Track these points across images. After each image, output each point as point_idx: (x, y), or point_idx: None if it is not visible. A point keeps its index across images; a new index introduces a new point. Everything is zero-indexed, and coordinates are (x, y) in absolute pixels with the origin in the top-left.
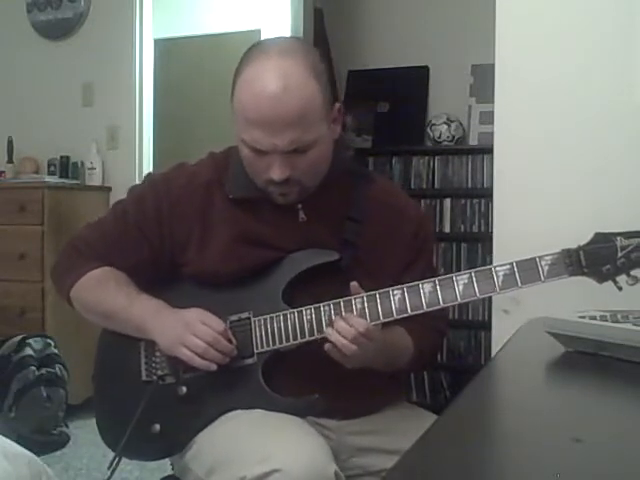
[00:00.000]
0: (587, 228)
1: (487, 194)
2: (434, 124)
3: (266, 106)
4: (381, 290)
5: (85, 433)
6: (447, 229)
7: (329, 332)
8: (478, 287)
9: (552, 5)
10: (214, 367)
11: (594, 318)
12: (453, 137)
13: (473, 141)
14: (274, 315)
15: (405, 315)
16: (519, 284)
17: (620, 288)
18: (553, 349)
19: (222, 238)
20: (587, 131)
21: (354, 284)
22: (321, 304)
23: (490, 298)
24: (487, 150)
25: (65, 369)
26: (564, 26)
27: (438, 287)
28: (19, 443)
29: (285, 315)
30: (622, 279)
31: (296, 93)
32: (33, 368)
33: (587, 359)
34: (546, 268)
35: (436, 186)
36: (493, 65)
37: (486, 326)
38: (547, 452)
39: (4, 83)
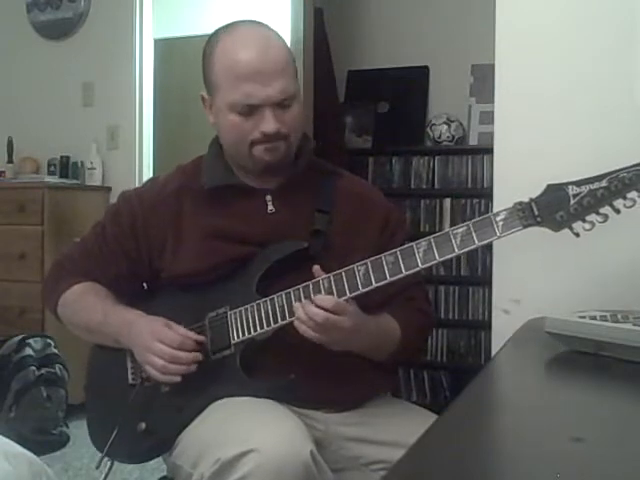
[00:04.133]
0: None
1: (487, 194)
2: (434, 124)
3: (256, 59)
4: (346, 268)
5: (85, 433)
6: (447, 229)
7: (296, 323)
8: (438, 251)
9: (552, 5)
10: (177, 379)
11: (594, 318)
12: (453, 137)
13: (473, 141)
14: (248, 306)
15: (371, 287)
16: (476, 242)
17: (577, 234)
18: (553, 349)
19: (193, 238)
20: (587, 132)
21: (316, 267)
22: (291, 289)
23: (490, 298)
24: (487, 150)
25: (65, 369)
26: (564, 26)
27: (399, 257)
28: (19, 443)
29: (258, 304)
30: (578, 226)
31: (277, 45)
32: (33, 368)
33: (587, 359)
34: (500, 223)
35: (436, 186)
36: (493, 65)
37: (486, 326)
38: (547, 452)
39: (4, 83)
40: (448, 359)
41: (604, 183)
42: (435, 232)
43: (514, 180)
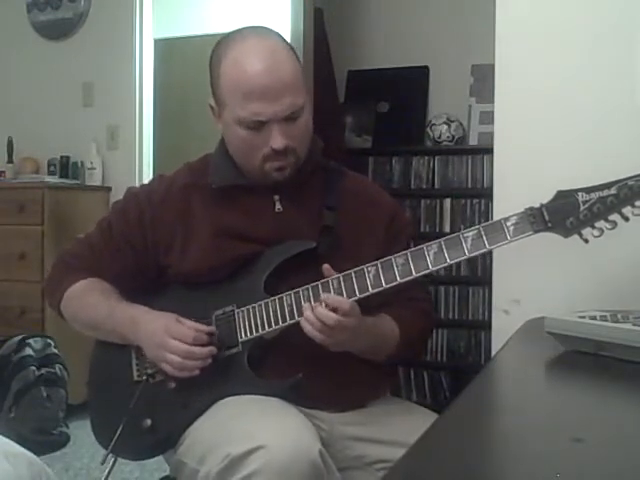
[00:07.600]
0: None
1: (487, 194)
2: (434, 124)
3: (262, 76)
4: (356, 269)
5: (85, 433)
6: (447, 229)
7: (303, 323)
8: (448, 254)
9: (552, 5)
10: (196, 372)
11: (594, 318)
12: (453, 137)
13: (473, 141)
14: (256, 305)
15: (380, 289)
16: (487, 245)
17: (586, 240)
18: (553, 349)
19: (202, 236)
20: (587, 132)
21: (326, 266)
22: (300, 289)
23: (490, 298)
24: (487, 150)
25: (65, 369)
26: (564, 26)
27: (410, 259)
28: (19, 443)
29: (266, 303)
30: (587, 232)
31: (284, 59)
32: (33, 368)
33: (587, 359)
34: (511, 228)
35: (436, 186)
36: (493, 65)
37: (486, 326)
38: (547, 452)
39: (4, 83)
40: (448, 359)
41: (613, 191)
42: (435, 232)
43: (514, 180)
